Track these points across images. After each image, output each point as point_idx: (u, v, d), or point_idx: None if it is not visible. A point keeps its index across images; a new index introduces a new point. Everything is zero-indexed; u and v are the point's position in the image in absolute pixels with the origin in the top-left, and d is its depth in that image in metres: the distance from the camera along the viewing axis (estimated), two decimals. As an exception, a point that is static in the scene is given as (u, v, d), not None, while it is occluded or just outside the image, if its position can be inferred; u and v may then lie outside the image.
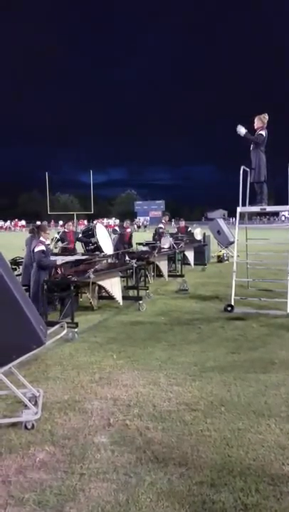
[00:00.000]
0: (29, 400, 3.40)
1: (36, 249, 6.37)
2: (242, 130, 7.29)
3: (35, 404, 3.44)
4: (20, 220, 64.23)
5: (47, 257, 6.41)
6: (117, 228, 10.86)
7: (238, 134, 7.30)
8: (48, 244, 8.45)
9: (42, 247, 6.37)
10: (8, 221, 64.44)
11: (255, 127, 7.46)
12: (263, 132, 7.36)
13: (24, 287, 7.19)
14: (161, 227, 11.33)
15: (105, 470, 2.65)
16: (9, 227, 61.87)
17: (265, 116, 7.43)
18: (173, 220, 30.03)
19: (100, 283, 6.44)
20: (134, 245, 11.76)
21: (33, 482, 2.55)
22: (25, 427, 3.18)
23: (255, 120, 7.46)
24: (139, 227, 57.55)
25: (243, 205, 7.77)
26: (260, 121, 7.41)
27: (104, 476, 2.59)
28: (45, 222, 17.99)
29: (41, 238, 6.64)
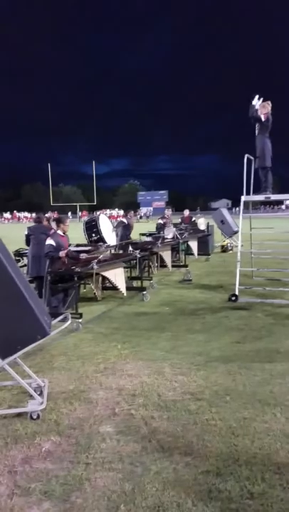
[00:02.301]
0: (34, 390, 3.41)
1: (46, 242, 6.21)
2: (256, 101, 7.40)
3: (41, 394, 3.45)
4: (19, 211, 64.37)
5: (55, 251, 6.14)
6: (124, 220, 10.82)
7: (253, 104, 7.39)
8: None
9: (51, 242, 6.13)
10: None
11: (260, 114, 7.45)
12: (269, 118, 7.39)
13: (30, 279, 7.20)
14: (160, 223, 11.32)
15: (111, 459, 2.66)
16: (11, 219, 62.18)
17: (269, 103, 7.47)
18: (169, 210, 29.68)
19: (104, 274, 6.42)
20: (134, 237, 11.69)
21: (39, 472, 2.56)
22: (31, 417, 3.19)
23: (260, 108, 7.47)
24: (141, 217, 57.32)
25: (248, 194, 7.71)
26: (264, 109, 7.47)
27: (110, 465, 2.60)
28: (63, 215, 17.68)
29: (58, 231, 6.43)
